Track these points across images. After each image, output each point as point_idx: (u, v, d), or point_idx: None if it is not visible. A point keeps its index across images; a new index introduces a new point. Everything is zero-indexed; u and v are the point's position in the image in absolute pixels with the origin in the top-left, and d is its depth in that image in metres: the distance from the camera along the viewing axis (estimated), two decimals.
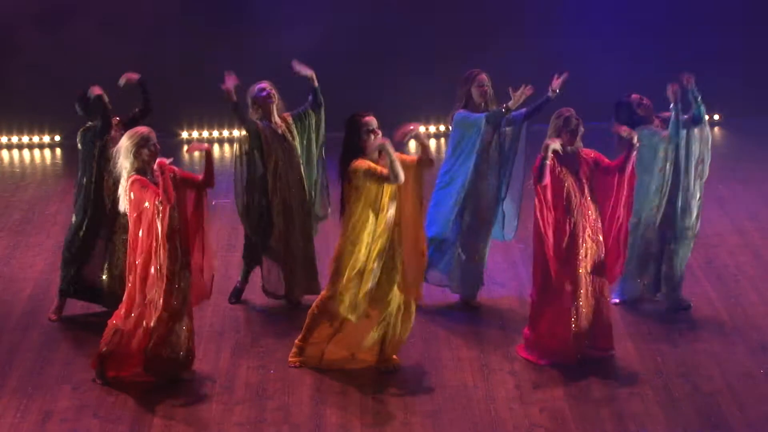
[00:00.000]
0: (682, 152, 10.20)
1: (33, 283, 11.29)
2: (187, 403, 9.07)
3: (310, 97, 10.58)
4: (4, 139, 16.28)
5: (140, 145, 8.99)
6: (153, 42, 15.74)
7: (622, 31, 16.09)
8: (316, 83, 10.46)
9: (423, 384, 9.29)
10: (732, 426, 8.65)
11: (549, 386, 9.23)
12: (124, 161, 9.01)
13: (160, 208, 8.89)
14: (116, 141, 9.48)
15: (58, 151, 16.10)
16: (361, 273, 9.10)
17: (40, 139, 16.29)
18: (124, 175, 9.02)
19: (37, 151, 16.12)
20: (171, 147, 15.70)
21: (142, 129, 9.09)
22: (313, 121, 10.57)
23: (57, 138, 16.24)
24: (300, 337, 9.56)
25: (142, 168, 9.01)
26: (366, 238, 9.07)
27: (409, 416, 8.85)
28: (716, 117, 16.29)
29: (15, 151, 16.13)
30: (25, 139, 16.29)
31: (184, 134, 16.41)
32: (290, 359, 9.57)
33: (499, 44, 15.57)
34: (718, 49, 16.05)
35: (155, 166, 8.90)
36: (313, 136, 10.61)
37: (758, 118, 16.06)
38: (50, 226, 12.85)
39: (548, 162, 9.19)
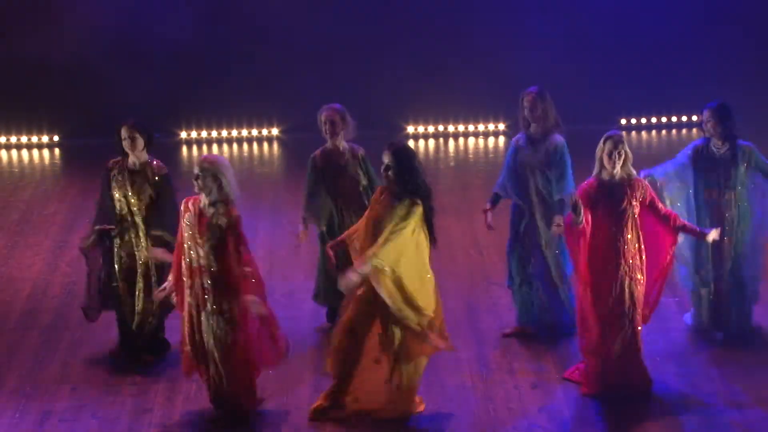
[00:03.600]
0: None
1: (31, 283, 11.28)
2: (186, 403, 9.06)
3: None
4: (3, 139, 16.27)
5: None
6: (153, 41, 15.73)
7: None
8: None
9: (422, 384, 9.27)
10: (731, 426, 8.64)
11: (547, 386, 9.23)
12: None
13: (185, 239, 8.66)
14: None
15: (56, 151, 16.09)
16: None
17: (39, 139, 16.29)
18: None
19: (35, 152, 16.12)
20: (170, 147, 15.72)
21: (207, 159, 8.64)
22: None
23: (56, 138, 16.25)
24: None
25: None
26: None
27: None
28: None
29: (14, 151, 16.12)
30: (24, 139, 16.29)
31: (183, 134, 16.40)
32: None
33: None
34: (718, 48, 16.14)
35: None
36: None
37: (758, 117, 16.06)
38: (48, 226, 12.84)
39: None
